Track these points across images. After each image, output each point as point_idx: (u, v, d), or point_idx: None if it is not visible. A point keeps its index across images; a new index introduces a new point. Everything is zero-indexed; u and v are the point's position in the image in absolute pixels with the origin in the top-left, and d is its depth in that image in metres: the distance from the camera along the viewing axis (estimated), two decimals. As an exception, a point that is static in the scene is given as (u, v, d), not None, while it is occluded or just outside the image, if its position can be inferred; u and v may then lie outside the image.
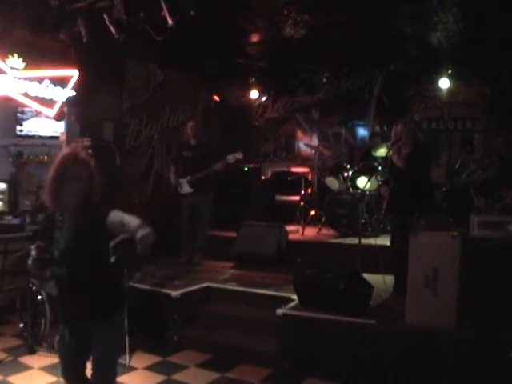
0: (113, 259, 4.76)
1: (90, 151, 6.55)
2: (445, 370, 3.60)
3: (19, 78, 5.90)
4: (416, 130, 5.73)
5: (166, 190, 8.07)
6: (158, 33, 5.28)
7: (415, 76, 8.30)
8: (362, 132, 9.05)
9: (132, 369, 4.23)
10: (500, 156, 6.21)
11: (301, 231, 7.11)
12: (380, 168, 6.53)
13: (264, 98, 9.86)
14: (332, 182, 7.30)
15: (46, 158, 7.12)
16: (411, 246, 3.88)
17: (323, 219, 7.11)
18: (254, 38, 7.34)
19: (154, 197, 7.83)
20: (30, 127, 6.99)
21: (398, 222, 4.78)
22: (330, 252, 6.07)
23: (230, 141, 8.49)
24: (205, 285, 5.30)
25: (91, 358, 2.62)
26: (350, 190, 6.95)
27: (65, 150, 2.70)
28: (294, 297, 4.55)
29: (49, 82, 6.07)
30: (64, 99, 6.28)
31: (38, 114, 6.72)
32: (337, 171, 7.28)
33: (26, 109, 6.75)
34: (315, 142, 8.65)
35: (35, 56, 6.00)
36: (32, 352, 4.49)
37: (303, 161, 9.27)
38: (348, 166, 7.16)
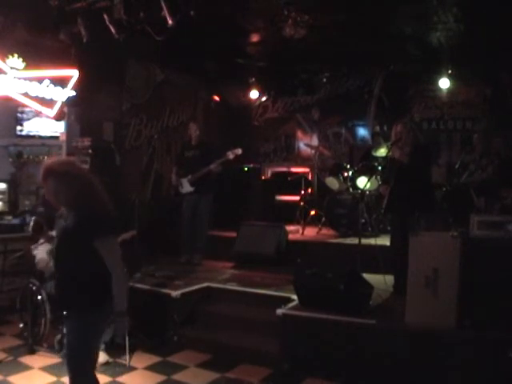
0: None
1: (90, 151, 6.57)
2: (445, 370, 3.60)
3: (19, 78, 5.91)
4: (416, 129, 5.73)
5: (166, 189, 8.08)
6: (157, 33, 5.28)
7: (415, 76, 8.31)
8: (362, 132, 9.05)
9: (132, 369, 4.23)
10: (499, 156, 6.21)
11: (301, 231, 7.11)
12: (380, 168, 6.53)
13: (264, 98, 9.87)
14: (332, 182, 7.30)
15: (45, 158, 7.12)
16: (411, 246, 3.88)
17: (323, 219, 7.11)
18: (254, 38, 7.34)
19: (154, 197, 7.84)
20: (30, 127, 6.99)
21: (398, 222, 4.78)
22: (329, 252, 6.07)
23: (230, 141, 8.47)
24: (205, 285, 5.30)
25: None
26: (350, 189, 6.95)
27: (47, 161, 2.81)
28: (294, 297, 4.55)
29: (49, 81, 6.07)
30: (64, 99, 6.28)
31: (38, 113, 6.72)
32: (337, 171, 7.28)
33: (26, 109, 6.76)
34: (315, 142, 8.65)
35: (35, 56, 6.00)
36: (32, 352, 4.49)
37: (303, 161, 9.27)
38: (348, 166, 7.16)
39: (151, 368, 4.27)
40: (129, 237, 4.45)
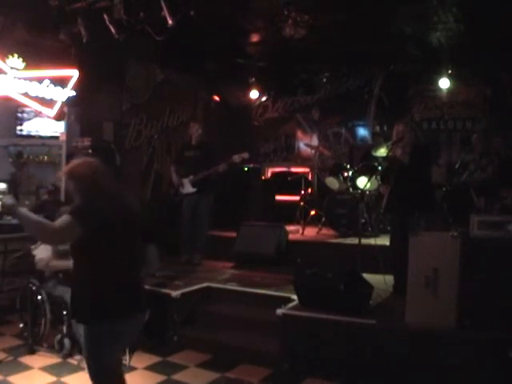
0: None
1: (90, 151, 6.57)
2: (445, 370, 3.59)
3: (19, 78, 5.90)
4: (417, 129, 5.73)
5: (166, 189, 8.08)
6: (157, 33, 5.28)
7: (415, 76, 8.31)
8: (362, 132, 9.05)
9: (132, 369, 4.23)
10: (499, 156, 6.21)
11: (301, 231, 7.11)
12: (380, 168, 6.53)
13: (264, 98, 9.87)
14: (332, 182, 7.30)
15: (45, 157, 7.12)
16: (411, 246, 3.88)
17: (323, 219, 7.11)
18: (254, 38, 7.34)
19: (154, 197, 7.84)
20: (30, 127, 6.99)
21: (398, 222, 4.78)
22: (329, 252, 6.07)
23: (230, 141, 8.49)
24: (205, 285, 5.30)
25: None
26: (350, 189, 6.95)
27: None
28: (294, 297, 4.55)
29: (49, 81, 6.07)
30: (64, 99, 6.28)
31: (38, 113, 6.72)
32: (337, 171, 7.28)
33: (26, 109, 6.75)
34: (315, 142, 8.65)
35: (35, 56, 6.00)
36: (32, 352, 4.48)
37: (303, 161, 9.27)
38: (348, 166, 7.16)
39: (151, 368, 4.27)
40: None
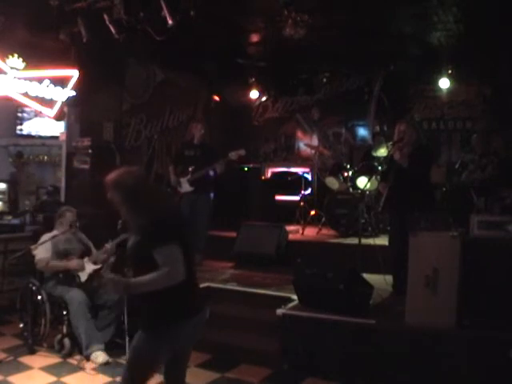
0: (112, 259, 4.78)
1: (90, 151, 6.57)
2: (445, 370, 3.60)
3: (19, 78, 5.90)
4: (419, 129, 5.74)
5: (166, 189, 8.07)
6: (158, 33, 5.28)
7: (415, 76, 8.30)
8: (362, 132, 9.05)
9: (132, 369, 4.22)
10: (498, 155, 6.21)
11: (301, 231, 7.10)
12: (380, 168, 6.53)
13: (264, 98, 9.86)
14: (332, 182, 7.29)
15: (45, 157, 7.13)
16: (411, 246, 3.88)
17: (323, 219, 7.11)
18: (254, 38, 7.34)
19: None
20: (30, 127, 7.00)
21: (398, 222, 4.77)
22: (329, 252, 6.07)
23: (230, 141, 8.49)
24: (205, 285, 5.29)
25: None
26: (350, 190, 6.95)
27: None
28: (294, 297, 4.55)
29: (49, 81, 6.07)
30: (64, 99, 6.28)
31: (38, 113, 6.72)
32: (337, 171, 7.28)
33: (26, 109, 6.76)
34: (315, 142, 8.64)
35: (35, 56, 6.00)
36: (32, 352, 4.48)
37: (303, 161, 9.27)
38: (348, 166, 7.16)
39: (151, 368, 4.26)
40: (121, 241, 4.44)
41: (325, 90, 9.28)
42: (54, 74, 6.15)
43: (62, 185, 6.82)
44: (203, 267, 6.21)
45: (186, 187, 6.27)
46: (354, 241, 5.77)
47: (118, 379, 4.00)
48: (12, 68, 5.86)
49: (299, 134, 9.70)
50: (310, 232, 7.13)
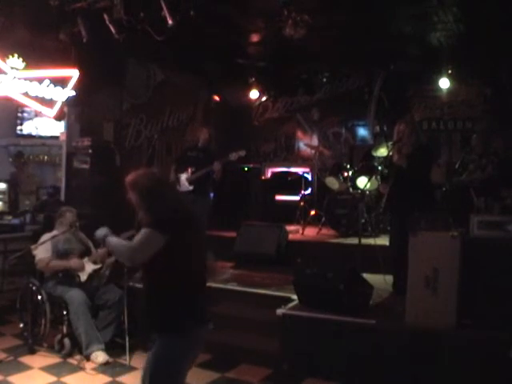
0: (112, 259, 4.78)
1: (90, 151, 6.57)
2: (445, 370, 3.60)
3: (19, 78, 5.90)
4: (419, 129, 5.73)
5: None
6: (158, 33, 5.28)
7: (415, 76, 8.30)
8: (362, 132, 9.06)
9: (132, 369, 4.22)
10: (498, 156, 6.21)
11: (301, 231, 7.11)
12: (380, 168, 6.52)
13: (264, 98, 9.86)
14: (332, 182, 7.29)
15: (45, 157, 7.12)
16: (411, 246, 3.88)
17: (323, 219, 7.11)
18: (254, 38, 7.34)
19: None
20: (30, 127, 6.99)
21: (398, 222, 4.77)
22: (329, 252, 6.07)
23: (230, 141, 8.49)
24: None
25: None
26: (350, 189, 6.95)
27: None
28: (294, 297, 4.55)
29: (49, 81, 6.06)
30: (64, 99, 6.28)
31: (38, 113, 6.72)
32: (337, 171, 7.28)
33: (26, 109, 6.75)
34: (315, 142, 8.65)
35: (35, 56, 5.99)
36: (32, 352, 4.48)
37: (303, 161, 9.27)
38: (348, 166, 7.16)
39: (151, 368, 4.26)
40: (129, 236, 4.44)
41: (325, 89, 9.27)
42: (54, 74, 6.15)
43: (62, 185, 6.82)
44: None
45: (185, 186, 6.28)
46: (354, 241, 5.77)
47: (119, 379, 4.02)
48: (12, 68, 5.85)
49: (299, 133, 9.70)
50: (310, 232, 7.13)
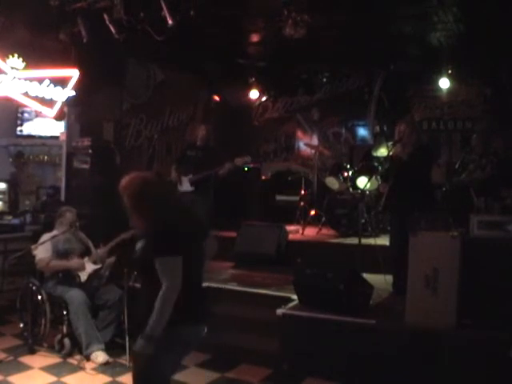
0: (112, 259, 4.78)
1: (90, 151, 6.57)
2: (445, 370, 3.60)
3: (19, 78, 5.90)
4: (419, 129, 5.71)
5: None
6: (158, 33, 5.28)
7: (415, 76, 8.30)
8: (362, 132, 9.06)
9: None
10: (498, 155, 6.21)
11: (301, 231, 7.10)
12: (380, 168, 6.52)
13: (264, 98, 9.86)
14: (332, 182, 7.29)
15: (45, 157, 7.12)
16: (411, 246, 3.88)
17: (323, 219, 7.11)
18: (254, 38, 7.34)
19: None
20: (30, 127, 6.98)
21: (398, 222, 4.78)
22: (329, 252, 6.07)
23: (230, 141, 8.49)
24: (205, 285, 5.28)
25: None
26: (350, 189, 6.95)
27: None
28: (294, 297, 4.55)
29: (49, 81, 6.06)
30: (64, 99, 6.28)
31: (38, 114, 6.71)
32: (337, 171, 7.28)
33: (27, 109, 6.75)
34: (315, 142, 8.64)
35: (35, 56, 5.99)
36: (32, 352, 4.48)
37: (303, 161, 9.27)
38: (348, 166, 7.16)
39: (151, 368, 4.26)
40: (129, 236, 4.45)
41: (325, 89, 9.26)
42: (54, 74, 6.15)
43: (62, 185, 6.82)
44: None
45: (186, 186, 6.30)
46: (354, 241, 5.77)
47: (119, 379, 4.02)
48: (12, 68, 5.85)
49: (299, 133, 9.70)
50: (310, 232, 7.13)
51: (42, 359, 4.38)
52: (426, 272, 3.75)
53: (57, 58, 6.16)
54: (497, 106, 7.77)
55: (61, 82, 6.19)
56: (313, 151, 7.99)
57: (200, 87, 9.12)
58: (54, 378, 4.01)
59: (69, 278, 4.64)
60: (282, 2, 5.61)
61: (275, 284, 5.25)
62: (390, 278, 4.76)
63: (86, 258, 4.76)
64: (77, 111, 6.84)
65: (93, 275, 4.71)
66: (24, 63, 5.91)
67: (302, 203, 7.63)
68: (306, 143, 8.70)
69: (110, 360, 4.30)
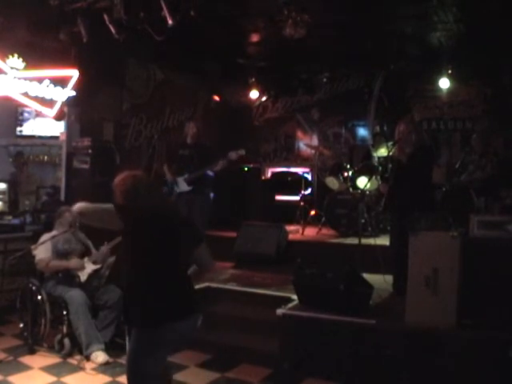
0: (112, 259, 4.78)
1: (90, 151, 6.57)
2: (445, 370, 3.60)
3: (19, 78, 5.90)
4: (420, 129, 5.70)
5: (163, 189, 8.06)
6: (158, 33, 5.28)
7: (415, 76, 8.30)
8: (362, 132, 9.05)
9: (132, 369, 4.22)
10: (498, 155, 6.21)
11: (301, 231, 7.11)
12: (380, 168, 6.52)
13: (264, 98, 9.86)
14: (332, 182, 7.30)
15: (45, 157, 7.12)
16: (411, 246, 3.88)
17: (323, 219, 7.11)
18: (254, 37, 7.34)
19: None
20: (30, 127, 6.98)
21: (398, 222, 4.78)
22: (329, 252, 6.07)
23: (230, 141, 8.48)
24: (205, 285, 5.29)
25: None
26: (350, 189, 6.96)
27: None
28: (294, 297, 4.55)
29: (49, 81, 6.06)
30: (64, 99, 6.28)
31: (38, 114, 6.71)
32: (337, 171, 7.28)
33: (26, 109, 6.74)
34: (315, 142, 8.66)
35: (35, 56, 5.99)
36: (32, 352, 4.48)
37: (303, 161, 9.27)
38: (348, 166, 7.16)
39: (151, 368, 4.26)
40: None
41: (325, 90, 9.26)
42: (54, 74, 6.15)
43: (62, 185, 6.81)
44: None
45: (183, 186, 6.22)
46: (354, 241, 5.77)
47: (119, 379, 4.01)
48: (12, 68, 5.85)
49: (299, 133, 9.70)
50: (310, 232, 7.13)
51: (41, 359, 4.37)
52: (425, 272, 3.74)
53: (57, 58, 6.16)
54: (497, 106, 7.77)
55: (61, 82, 6.19)
56: (313, 151, 7.99)
57: (200, 87, 9.12)
58: (53, 378, 4.00)
59: (69, 278, 4.64)
60: (282, 1, 5.61)
61: (275, 284, 5.25)
62: (389, 278, 4.76)
63: (86, 258, 4.75)
64: (77, 111, 6.84)
65: (93, 275, 4.71)
66: (24, 63, 5.91)
67: (302, 203, 7.63)
68: (306, 143, 8.71)
69: (110, 360, 4.29)
